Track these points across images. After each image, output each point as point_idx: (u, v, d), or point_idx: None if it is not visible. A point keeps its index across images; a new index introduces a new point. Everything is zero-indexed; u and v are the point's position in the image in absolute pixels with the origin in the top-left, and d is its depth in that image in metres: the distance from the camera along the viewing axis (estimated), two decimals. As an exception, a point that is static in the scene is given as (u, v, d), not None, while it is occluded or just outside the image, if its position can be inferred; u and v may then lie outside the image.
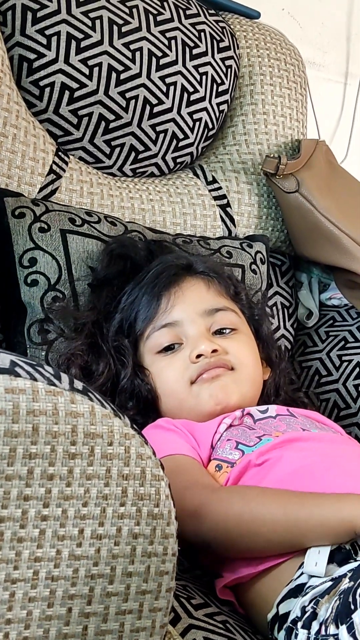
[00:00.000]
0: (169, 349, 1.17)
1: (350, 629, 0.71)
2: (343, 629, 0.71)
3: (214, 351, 1.14)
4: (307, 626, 0.77)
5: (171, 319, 1.17)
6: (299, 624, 0.78)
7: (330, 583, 0.79)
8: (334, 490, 0.91)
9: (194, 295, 1.19)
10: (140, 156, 1.45)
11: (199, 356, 1.14)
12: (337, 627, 0.72)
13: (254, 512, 0.91)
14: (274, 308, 1.52)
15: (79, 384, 0.66)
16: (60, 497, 0.63)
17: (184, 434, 1.09)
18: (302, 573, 0.84)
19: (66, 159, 1.38)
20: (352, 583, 0.74)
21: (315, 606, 0.77)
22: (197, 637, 0.81)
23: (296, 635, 0.78)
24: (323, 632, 0.75)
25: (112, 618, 0.66)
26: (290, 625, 0.80)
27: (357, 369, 1.41)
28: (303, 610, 0.79)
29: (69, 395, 0.64)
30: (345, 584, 0.76)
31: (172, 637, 0.79)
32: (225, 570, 0.95)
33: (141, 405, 1.16)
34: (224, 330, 1.19)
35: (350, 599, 0.72)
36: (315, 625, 0.76)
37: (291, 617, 0.81)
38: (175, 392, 1.15)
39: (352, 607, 0.71)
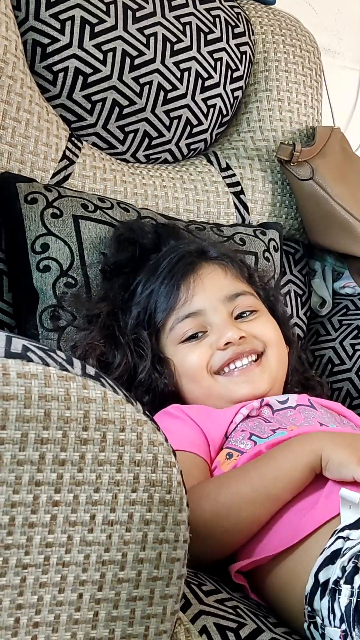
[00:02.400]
0: (192, 337, 1.16)
1: None
2: None
3: (241, 338, 1.14)
4: (350, 581, 0.77)
5: (194, 309, 1.16)
6: (342, 581, 0.78)
7: None
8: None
9: (213, 282, 1.19)
10: (153, 142, 1.45)
11: (227, 344, 1.13)
12: None
13: (226, 505, 0.92)
14: (287, 296, 1.51)
15: (91, 370, 0.66)
16: (72, 482, 0.63)
17: (191, 423, 1.08)
18: (336, 539, 0.83)
19: (79, 144, 1.37)
20: None
21: (356, 560, 0.77)
22: (207, 622, 0.81)
23: (339, 592, 0.78)
24: None
25: (123, 604, 0.66)
26: (333, 586, 0.80)
27: (370, 358, 1.40)
28: (343, 570, 0.78)
29: (81, 381, 0.64)
30: None
31: (183, 623, 0.79)
32: (241, 555, 0.95)
33: (157, 401, 1.15)
34: (245, 314, 1.18)
35: None
36: (358, 580, 0.76)
37: (332, 579, 0.80)
38: (198, 377, 1.14)
39: None
